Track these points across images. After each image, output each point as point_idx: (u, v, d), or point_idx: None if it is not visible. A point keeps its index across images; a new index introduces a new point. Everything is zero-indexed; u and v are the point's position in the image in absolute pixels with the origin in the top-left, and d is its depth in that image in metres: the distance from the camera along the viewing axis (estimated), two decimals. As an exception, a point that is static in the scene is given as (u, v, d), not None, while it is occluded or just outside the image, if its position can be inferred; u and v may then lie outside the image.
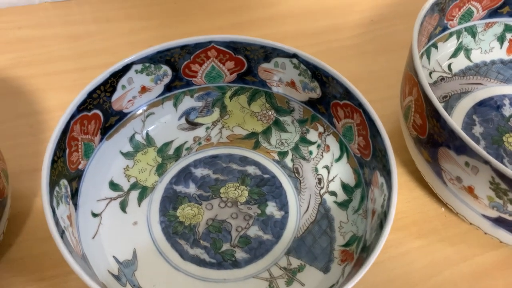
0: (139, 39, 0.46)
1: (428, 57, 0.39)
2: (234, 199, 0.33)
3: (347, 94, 0.31)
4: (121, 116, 0.34)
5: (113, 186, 0.33)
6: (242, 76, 0.35)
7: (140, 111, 0.34)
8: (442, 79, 0.39)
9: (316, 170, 0.34)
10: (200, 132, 0.36)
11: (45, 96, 0.41)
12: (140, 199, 0.33)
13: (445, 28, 0.38)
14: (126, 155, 0.34)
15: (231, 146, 0.36)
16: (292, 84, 0.34)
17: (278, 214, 0.32)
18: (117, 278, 0.29)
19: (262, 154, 0.35)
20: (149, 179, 0.34)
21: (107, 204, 0.32)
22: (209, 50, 0.33)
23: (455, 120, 0.37)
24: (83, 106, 0.30)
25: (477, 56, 0.41)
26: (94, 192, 0.32)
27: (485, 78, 0.40)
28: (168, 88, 0.35)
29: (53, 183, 0.27)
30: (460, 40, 0.40)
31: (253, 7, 0.50)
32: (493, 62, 0.40)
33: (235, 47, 0.33)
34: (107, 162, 0.33)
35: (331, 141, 0.34)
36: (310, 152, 0.35)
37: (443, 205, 0.35)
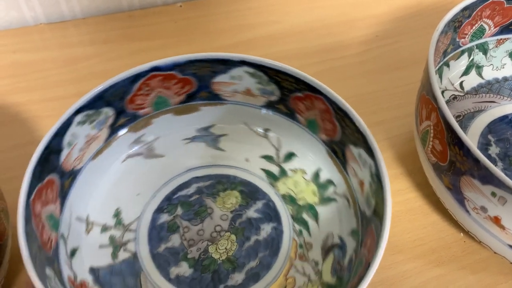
0: (139, 61, 0.44)
1: (440, 76, 0.38)
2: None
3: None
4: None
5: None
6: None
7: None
8: (455, 97, 0.38)
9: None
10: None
11: (44, 124, 0.39)
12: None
13: (457, 46, 0.37)
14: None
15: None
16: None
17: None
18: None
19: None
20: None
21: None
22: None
23: (470, 141, 0.35)
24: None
25: (489, 73, 0.40)
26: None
27: (498, 96, 0.39)
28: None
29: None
30: (471, 57, 0.39)
31: (254, 26, 0.48)
32: (505, 79, 0.39)
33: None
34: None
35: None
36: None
37: (462, 230, 0.34)
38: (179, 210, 0.32)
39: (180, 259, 0.30)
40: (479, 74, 0.40)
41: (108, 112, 0.30)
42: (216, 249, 0.31)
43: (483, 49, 0.39)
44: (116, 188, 0.32)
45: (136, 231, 0.31)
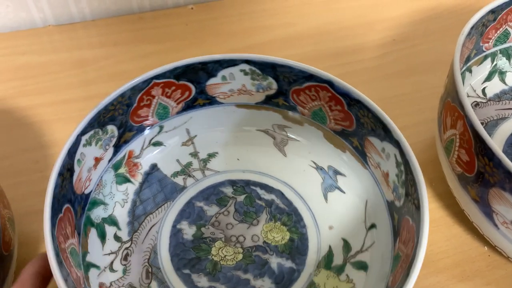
0: (149, 64, 0.44)
1: (463, 82, 0.36)
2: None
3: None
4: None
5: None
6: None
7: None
8: (477, 104, 0.37)
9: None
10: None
11: (51, 128, 0.38)
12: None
13: (480, 51, 0.36)
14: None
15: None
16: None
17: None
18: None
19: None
20: None
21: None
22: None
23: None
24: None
25: (513, 79, 0.38)
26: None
27: (522, 103, 0.37)
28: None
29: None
30: (494, 62, 0.37)
31: (269, 28, 0.47)
32: (530, 85, 0.38)
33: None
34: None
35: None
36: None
37: (486, 243, 0.32)
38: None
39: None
40: (502, 80, 0.38)
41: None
42: (219, 251, 0.30)
43: (507, 54, 0.37)
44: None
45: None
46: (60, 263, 0.23)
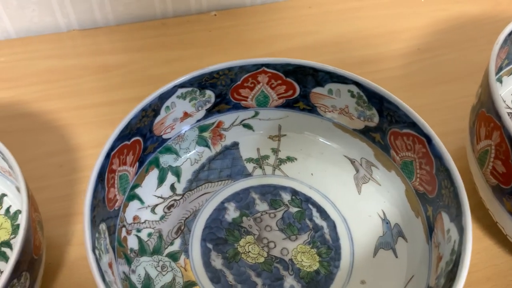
0: (173, 70, 0.44)
1: (493, 92, 0.36)
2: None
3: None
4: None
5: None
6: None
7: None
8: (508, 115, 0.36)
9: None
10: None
11: (75, 132, 0.38)
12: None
13: (511, 61, 0.35)
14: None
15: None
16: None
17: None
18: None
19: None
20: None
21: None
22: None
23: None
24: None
25: (543, 90, 0.38)
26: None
27: (553, 114, 0.37)
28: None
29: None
30: (525, 73, 0.37)
31: (290, 36, 0.47)
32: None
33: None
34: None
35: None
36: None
37: (518, 257, 0.32)
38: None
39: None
40: (533, 91, 0.38)
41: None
42: (247, 245, 0.30)
43: (538, 64, 0.37)
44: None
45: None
46: (100, 177, 0.25)
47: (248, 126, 0.34)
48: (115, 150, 0.27)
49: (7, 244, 0.30)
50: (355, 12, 0.49)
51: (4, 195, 0.32)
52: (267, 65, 0.31)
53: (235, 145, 0.34)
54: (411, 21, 0.48)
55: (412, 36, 0.47)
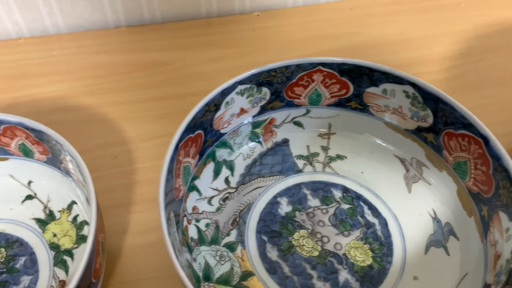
0: (218, 68, 0.45)
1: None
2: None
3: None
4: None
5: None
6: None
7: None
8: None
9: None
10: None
11: (125, 126, 0.40)
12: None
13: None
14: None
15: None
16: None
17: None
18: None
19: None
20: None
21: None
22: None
23: None
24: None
25: None
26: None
27: None
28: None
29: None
30: None
31: (332, 37, 0.48)
32: None
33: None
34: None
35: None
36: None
37: None
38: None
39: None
40: None
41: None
42: (301, 238, 0.31)
43: None
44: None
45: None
46: (170, 167, 0.26)
47: (298, 124, 0.35)
48: (182, 142, 0.28)
49: (69, 253, 0.30)
50: (396, 15, 0.50)
51: (74, 202, 0.32)
52: (323, 64, 0.32)
53: (285, 141, 0.35)
54: (453, 25, 0.49)
55: (453, 40, 0.47)
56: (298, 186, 0.33)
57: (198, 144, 0.30)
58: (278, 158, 0.34)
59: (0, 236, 0.30)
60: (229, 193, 0.32)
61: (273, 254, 0.30)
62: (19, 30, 0.46)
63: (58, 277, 0.29)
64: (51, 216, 0.31)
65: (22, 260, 0.29)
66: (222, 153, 0.33)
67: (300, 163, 0.34)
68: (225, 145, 0.33)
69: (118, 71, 0.44)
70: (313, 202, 0.32)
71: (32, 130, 0.29)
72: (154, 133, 0.39)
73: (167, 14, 0.49)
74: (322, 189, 0.33)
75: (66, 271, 0.29)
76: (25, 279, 0.28)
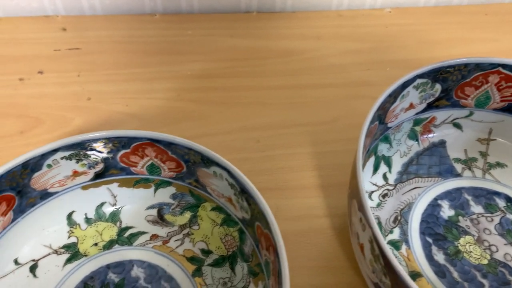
0: (352, 62, 0.44)
1: None
2: None
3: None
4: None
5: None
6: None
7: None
8: None
9: None
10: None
11: (264, 111, 0.39)
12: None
13: None
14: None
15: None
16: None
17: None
18: None
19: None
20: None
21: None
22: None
23: None
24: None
25: None
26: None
27: None
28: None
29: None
30: None
31: (468, 41, 0.46)
32: None
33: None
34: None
35: None
36: None
37: None
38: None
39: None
40: None
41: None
42: (467, 244, 0.29)
43: None
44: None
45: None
46: None
47: (457, 126, 0.34)
48: (367, 130, 0.27)
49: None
50: (537, 24, 0.48)
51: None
52: (504, 66, 0.30)
53: (442, 143, 0.34)
54: None
55: None
56: (458, 190, 0.32)
57: (373, 135, 0.29)
58: (435, 159, 0.33)
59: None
60: (388, 190, 0.31)
61: (439, 257, 0.29)
62: (154, 5, 0.47)
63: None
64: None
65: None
66: (382, 148, 0.32)
67: (458, 167, 0.33)
68: (386, 139, 0.32)
69: (254, 56, 0.44)
70: (476, 208, 0.31)
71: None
72: (294, 121, 0.39)
73: (298, 4, 0.48)
74: (484, 196, 0.31)
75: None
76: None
